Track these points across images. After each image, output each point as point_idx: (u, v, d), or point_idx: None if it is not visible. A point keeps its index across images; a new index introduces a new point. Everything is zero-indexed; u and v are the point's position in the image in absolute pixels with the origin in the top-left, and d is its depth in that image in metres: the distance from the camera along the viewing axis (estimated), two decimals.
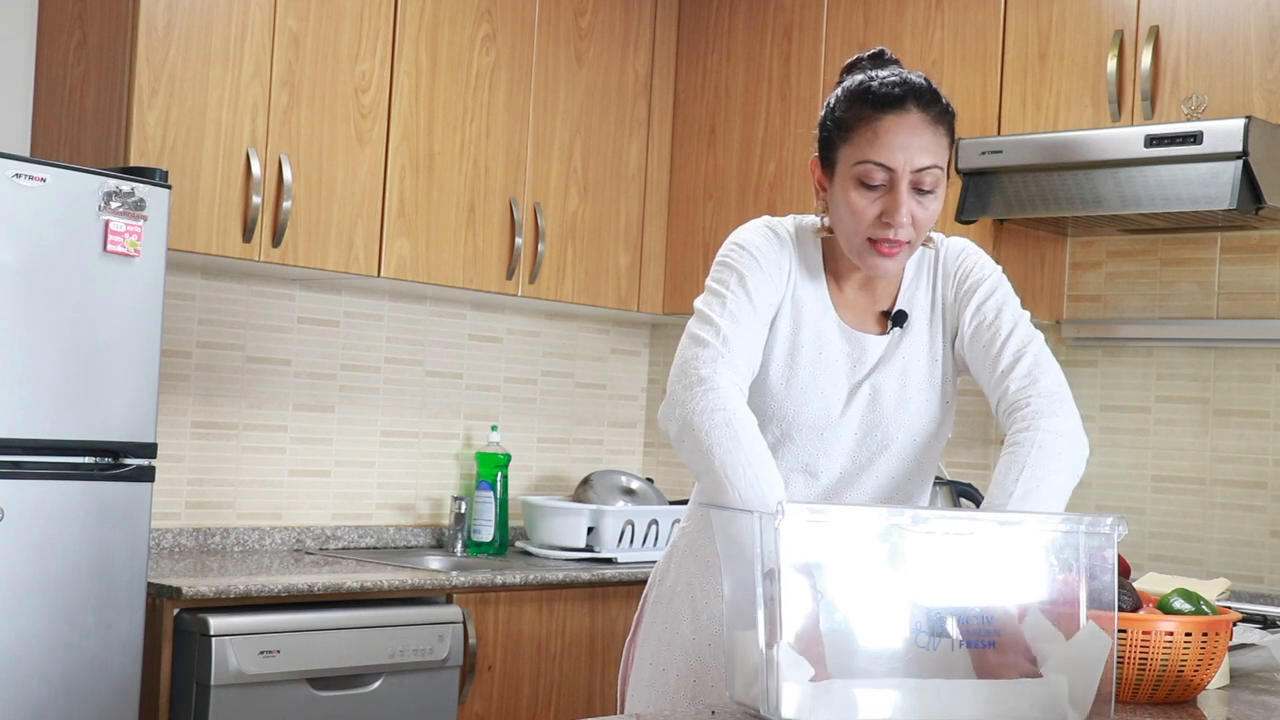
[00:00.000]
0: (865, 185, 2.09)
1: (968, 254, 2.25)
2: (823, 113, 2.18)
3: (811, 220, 2.24)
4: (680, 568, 2.27)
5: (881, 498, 2.20)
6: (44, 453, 2.91)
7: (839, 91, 2.15)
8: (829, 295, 2.20)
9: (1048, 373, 2.12)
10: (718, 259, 2.19)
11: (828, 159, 2.15)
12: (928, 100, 2.09)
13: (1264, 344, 3.75)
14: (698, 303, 2.15)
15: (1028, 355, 2.13)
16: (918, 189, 2.09)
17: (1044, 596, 1.84)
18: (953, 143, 2.15)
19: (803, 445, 2.17)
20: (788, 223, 2.23)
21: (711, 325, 2.09)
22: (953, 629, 1.78)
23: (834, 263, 2.21)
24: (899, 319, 2.21)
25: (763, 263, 2.15)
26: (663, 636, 2.26)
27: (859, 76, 2.15)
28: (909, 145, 2.07)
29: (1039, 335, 2.17)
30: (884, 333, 2.22)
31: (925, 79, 2.12)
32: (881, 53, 2.21)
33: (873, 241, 2.10)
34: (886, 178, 2.08)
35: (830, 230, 2.18)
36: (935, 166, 2.09)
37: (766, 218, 2.24)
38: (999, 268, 2.25)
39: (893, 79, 2.10)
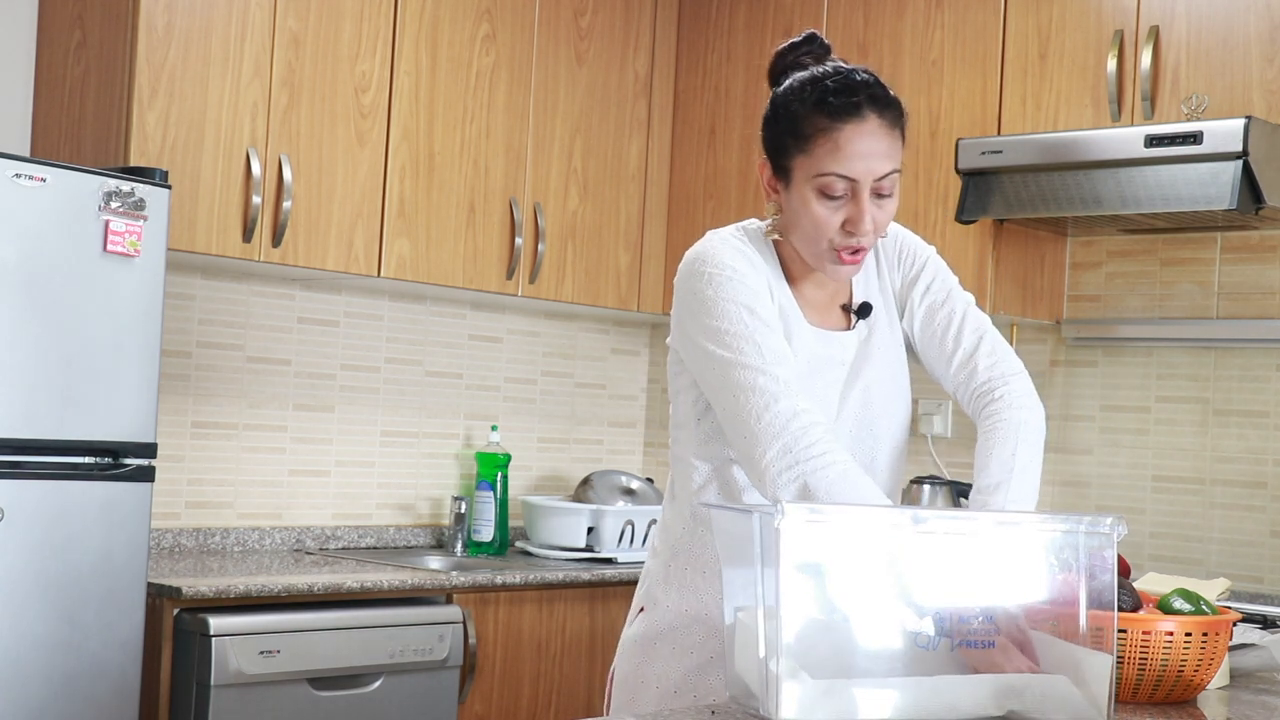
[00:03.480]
0: (827, 196, 2.06)
1: (903, 237, 2.27)
2: (769, 111, 2.12)
3: (755, 225, 2.20)
4: (686, 581, 2.20)
5: (882, 489, 2.19)
6: (44, 453, 2.91)
7: (788, 94, 2.10)
8: (795, 300, 2.17)
9: (1008, 353, 2.21)
10: (707, 291, 2.09)
11: (781, 165, 2.11)
12: (883, 104, 2.06)
13: (1264, 344, 3.75)
14: (713, 347, 2.05)
15: (988, 336, 2.21)
16: (877, 194, 2.07)
17: (1044, 596, 1.84)
18: (905, 140, 2.12)
19: None
20: (737, 234, 2.17)
21: (763, 373, 2.01)
22: (952, 629, 1.78)
23: (788, 265, 2.18)
24: (864, 311, 2.21)
25: (752, 284, 2.10)
26: (670, 655, 2.19)
27: (804, 76, 2.09)
28: (870, 154, 2.04)
29: (984, 314, 2.25)
30: (849, 327, 2.21)
31: (875, 77, 2.09)
32: (813, 36, 2.17)
33: (836, 250, 2.09)
34: (848, 188, 2.05)
35: (780, 234, 2.15)
36: (895, 171, 2.08)
37: (716, 237, 2.16)
38: (933, 247, 2.29)
39: (845, 81, 2.06)
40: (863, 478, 1.98)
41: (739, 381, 2.02)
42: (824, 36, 2.21)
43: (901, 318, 2.25)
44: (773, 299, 2.12)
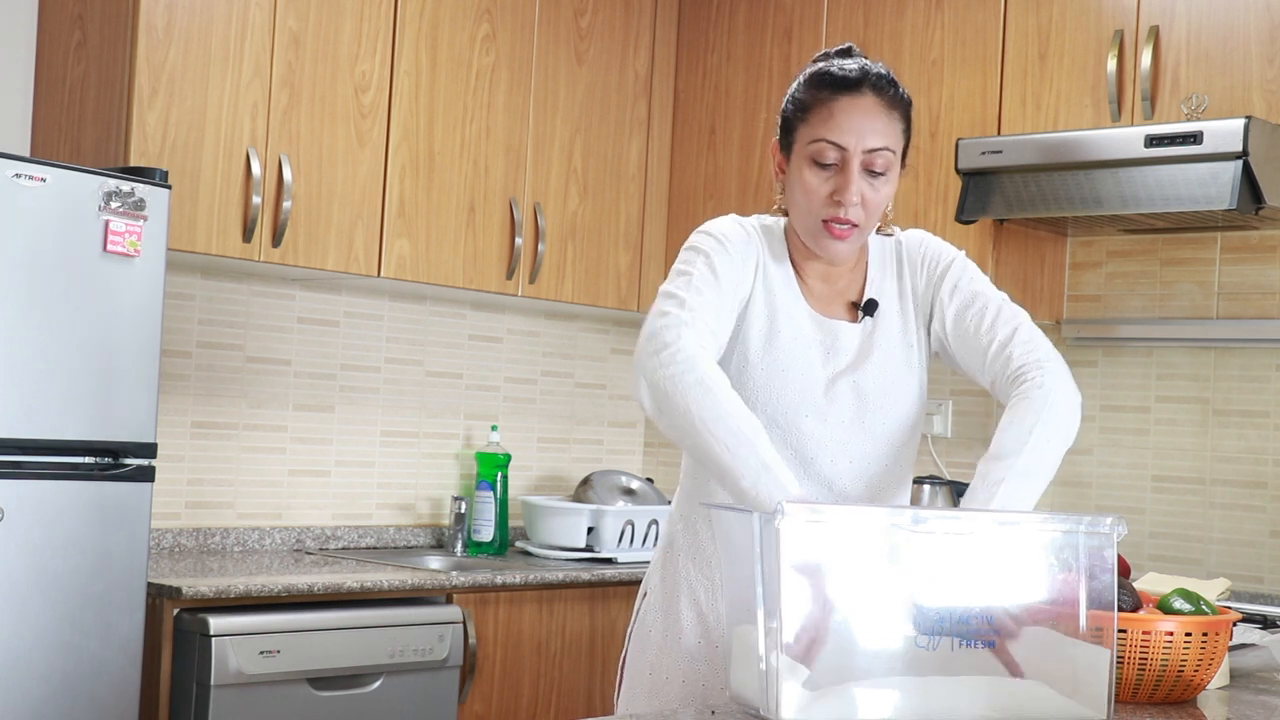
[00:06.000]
0: (818, 164, 2.14)
1: (929, 241, 2.32)
2: (785, 99, 2.24)
3: (774, 220, 2.27)
4: (679, 571, 2.26)
5: (874, 485, 2.21)
6: (44, 453, 2.91)
7: (801, 77, 2.22)
8: (797, 285, 2.23)
9: (1044, 342, 2.20)
10: (685, 246, 2.21)
11: (786, 140, 2.21)
12: (883, 86, 2.16)
13: (1264, 344, 3.75)
14: (663, 286, 2.15)
15: (1024, 327, 2.20)
16: (869, 170, 2.14)
17: (1044, 596, 1.84)
18: (908, 130, 2.20)
19: (790, 432, 2.16)
20: (753, 219, 2.27)
21: (675, 299, 2.09)
22: (952, 629, 1.78)
23: (797, 256, 2.25)
24: (870, 308, 2.24)
25: (729, 248, 2.17)
26: (663, 644, 2.24)
27: (822, 64, 2.22)
28: (862, 126, 2.13)
29: (1020, 308, 2.24)
30: (855, 321, 2.24)
31: (885, 69, 2.19)
32: (849, 49, 2.26)
33: (825, 222, 2.15)
34: (839, 156, 2.13)
35: (785, 212, 2.23)
36: (887, 149, 2.14)
37: (733, 214, 2.28)
38: (961, 250, 2.31)
39: (852, 65, 2.17)
40: (725, 395, 1.98)
41: (659, 304, 2.11)
42: (825, 41, 2.27)
43: (931, 319, 2.26)
44: (759, 273, 2.20)
